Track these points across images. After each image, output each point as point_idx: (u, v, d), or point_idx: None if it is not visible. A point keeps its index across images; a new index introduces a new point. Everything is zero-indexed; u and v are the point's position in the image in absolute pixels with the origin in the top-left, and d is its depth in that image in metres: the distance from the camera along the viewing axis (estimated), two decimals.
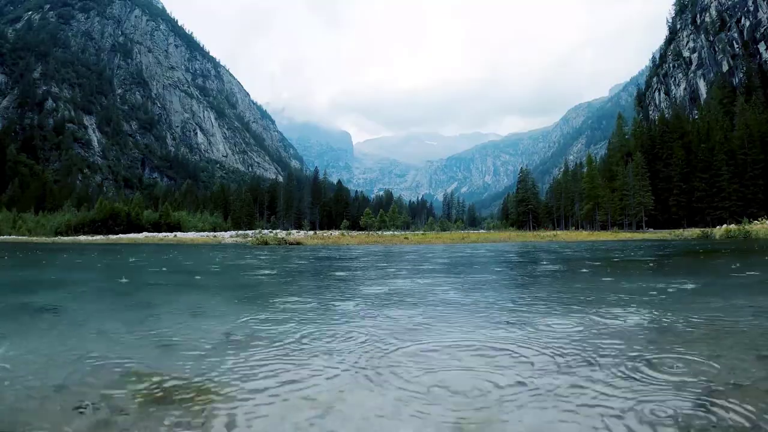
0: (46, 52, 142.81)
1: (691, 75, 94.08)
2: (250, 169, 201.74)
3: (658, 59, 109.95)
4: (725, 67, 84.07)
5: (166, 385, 1.56)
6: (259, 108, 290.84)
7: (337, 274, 6.52)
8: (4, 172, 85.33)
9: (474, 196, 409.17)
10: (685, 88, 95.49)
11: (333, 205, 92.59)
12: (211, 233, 44.14)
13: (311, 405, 1.38)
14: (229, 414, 1.31)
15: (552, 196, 77.43)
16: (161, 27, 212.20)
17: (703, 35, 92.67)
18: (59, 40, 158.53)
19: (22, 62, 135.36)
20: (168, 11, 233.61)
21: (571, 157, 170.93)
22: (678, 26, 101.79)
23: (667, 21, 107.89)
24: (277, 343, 2.19)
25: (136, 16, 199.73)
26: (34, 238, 41.62)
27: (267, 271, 7.05)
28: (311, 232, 41.36)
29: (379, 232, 43.09)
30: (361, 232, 43.70)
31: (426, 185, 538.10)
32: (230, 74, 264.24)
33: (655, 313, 2.85)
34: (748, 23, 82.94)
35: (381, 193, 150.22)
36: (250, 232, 41.67)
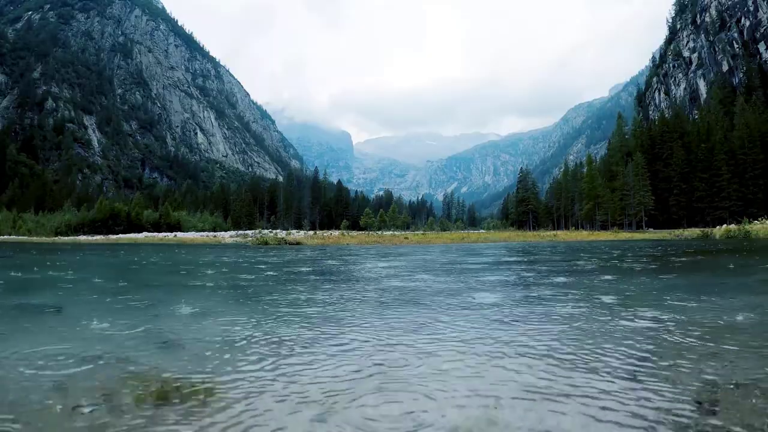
0: (46, 52, 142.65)
1: (691, 75, 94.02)
2: (250, 169, 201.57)
3: (658, 59, 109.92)
4: (725, 67, 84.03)
5: (166, 385, 1.55)
6: (259, 108, 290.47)
7: (337, 273, 6.53)
8: (4, 172, 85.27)
9: (474, 196, 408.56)
10: (685, 88, 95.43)
11: (333, 205, 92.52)
12: (211, 233, 44.11)
13: (312, 405, 1.37)
14: (229, 414, 1.31)
15: (552, 196, 77.38)
16: (161, 27, 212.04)
17: (703, 35, 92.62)
18: (59, 40, 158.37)
19: (22, 62, 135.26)
20: (168, 11, 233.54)
21: (571, 157, 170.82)
22: (678, 26, 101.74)
23: (667, 21, 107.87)
24: (277, 343, 2.19)
25: (136, 16, 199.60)
26: (34, 238, 41.57)
27: (267, 272, 7.05)
28: (311, 232, 41.33)
29: (379, 232, 43.06)
30: (361, 232, 43.68)
31: (426, 185, 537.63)
32: (230, 74, 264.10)
33: (657, 311, 2.85)
34: (748, 23, 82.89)
35: (381, 193, 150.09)
36: (250, 232, 41.65)
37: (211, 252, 15.00)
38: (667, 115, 68.44)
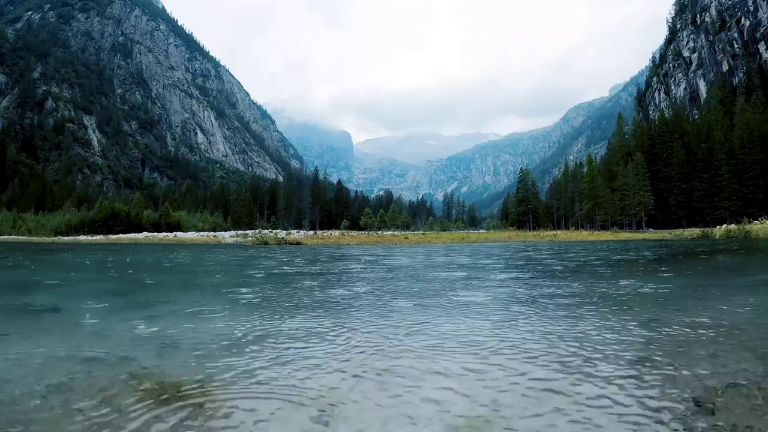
0: (46, 52, 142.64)
1: (691, 75, 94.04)
2: (250, 169, 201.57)
3: (658, 59, 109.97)
4: (725, 67, 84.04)
5: (166, 385, 1.55)
6: (259, 108, 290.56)
7: (337, 274, 6.53)
8: (4, 172, 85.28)
9: (474, 196, 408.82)
10: (685, 88, 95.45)
11: (333, 205, 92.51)
12: (211, 233, 44.12)
13: (313, 405, 1.37)
14: (229, 414, 1.31)
15: (552, 196, 77.39)
16: (161, 27, 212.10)
17: (703, 35, 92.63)
18: (59, 40, 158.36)
19: (22, 62, 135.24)
20: (168, 11, 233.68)
21: (571, 157, 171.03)
22: (678, 26, 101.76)
23: (667, 21, 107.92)
24: (278, 344, 2.19)
25: (136, 16, 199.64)
26: (34, 238, 41.56)
27: (267, 272, 7.05)
28: (311, 232, 41.34)
29: (379, 232, 43.08)
30: (361, 232, 43.70)
31: (426, 185, 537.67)
32: (230, 74, 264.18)
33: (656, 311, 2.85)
34: (748, 23, 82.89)
35: (381, 193, 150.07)
36: (250, 232, 41.66)
37: (211, 252, 15.00)
38: (667, 115, 68.39)
